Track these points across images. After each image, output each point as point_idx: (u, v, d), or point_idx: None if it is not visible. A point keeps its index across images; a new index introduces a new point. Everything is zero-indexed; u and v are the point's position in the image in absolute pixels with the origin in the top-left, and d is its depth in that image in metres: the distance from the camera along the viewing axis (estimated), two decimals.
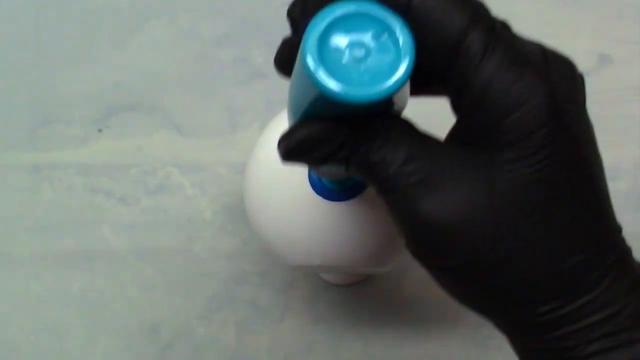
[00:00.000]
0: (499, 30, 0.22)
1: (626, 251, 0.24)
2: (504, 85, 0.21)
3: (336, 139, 0.22)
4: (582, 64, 0.24)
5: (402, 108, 0.24)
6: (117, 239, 0.49)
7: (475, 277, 0.23)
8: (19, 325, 0.48)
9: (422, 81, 0.23)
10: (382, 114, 0.23)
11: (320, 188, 0.35)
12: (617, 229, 0.24)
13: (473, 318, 0.46)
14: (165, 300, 0.48)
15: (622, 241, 0.24)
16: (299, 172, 0.36)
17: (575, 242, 0.22)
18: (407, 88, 0.23)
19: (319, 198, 0.35)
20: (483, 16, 0.22)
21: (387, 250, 0.37)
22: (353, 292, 0.48)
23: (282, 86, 0.51)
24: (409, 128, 0.23)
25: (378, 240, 0.36)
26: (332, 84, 0.20)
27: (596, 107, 0.47)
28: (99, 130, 0.51)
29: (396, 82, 0.20)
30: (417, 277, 0.47)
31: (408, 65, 0.20)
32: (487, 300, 0.24)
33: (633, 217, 0.48)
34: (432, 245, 0.23)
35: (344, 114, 0.22)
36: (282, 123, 0.39)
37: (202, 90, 0.51)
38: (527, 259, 0.22)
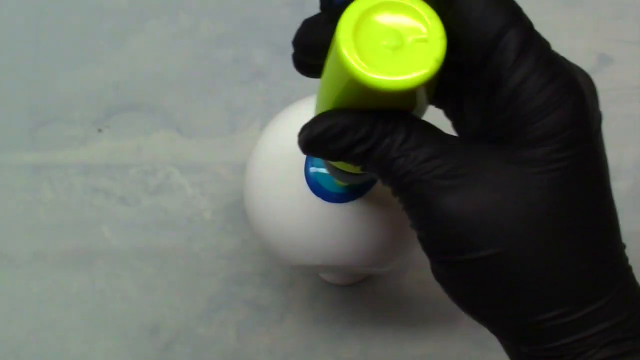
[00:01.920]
0: (534, 32, 0.22)
1: (629, 267, 0.24)
2: (539, 84, 0.22)
3: (359, 131, 0.23)
4: (582, 64, 0.24)
5: (422, 113, 0.24)
6: (117, 239, 0.49)
7: (489, 274, 0.23)
8: (19, 325, 0.48)
9: (448, 82, 0.23)
10: (405, 113, 0.23)
11: (318, 189, 0.35)
12: (623, 245, 0.24)
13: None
14: (165, 300, 0.48)
15: (626, 257, 0.24)
16: (299, 173, 0.36)
17: (589, 248, 0.22)
18: (426, 92, 0.23)
19: (318, 199, 0.35)
20: (522, 17, 0.22)
21: (387, 250, 0.37)
22: (353, 292, 0.48)
23: (282, 86, 0.51)
24: (430, 126, 0.23)
25: (378, 241, 0.36)
26: (365, 70, 0.20)
27: None
28: (99, 130, 0.51)
29: (425, 74, 0.20)
30: (417, 277, 0.47)
31: (436, 63, 0.21)
32: (496, 301, 0.23)
33: (633, 217, 0.48)
34: (451, 238, 0.23)
35: (370, 105, 0.22)
36: (282, 123, 0.39)
37: (202, 90, 0.51)
38: (544, 259, 0.22)
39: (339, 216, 0.35)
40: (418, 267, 0.47)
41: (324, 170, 0.35)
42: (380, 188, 0.36)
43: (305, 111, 0.39)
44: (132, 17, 0.53)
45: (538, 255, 0.22)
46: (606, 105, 0.49)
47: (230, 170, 0.50)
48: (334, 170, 0.31)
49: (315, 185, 0.35)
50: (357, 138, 0.23)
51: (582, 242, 0.22)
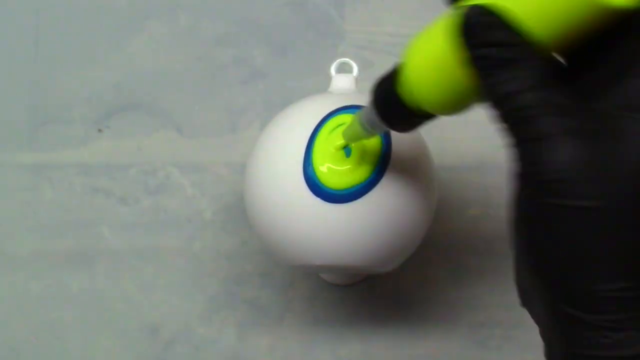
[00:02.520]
0: None
1: None
2: None
3: (514, 37, 0.23)
4: None
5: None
6: (117, 239, 0.49)
7: (582, 227, 0.22)
8: (19, 325, 0.48)
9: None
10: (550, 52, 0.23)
11: (317, 190, 0.35)
12: None
13: (473, 318, 0.47)
14: (165, 300, 0.48)
15: None
16: (298, 173, 0.36)
17: None
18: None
19: (317, 199, 0.35)
20: None
21: (386, 250, 0.37)
22: (353, 292, 0.48)
23: (282, 86, 0.51)
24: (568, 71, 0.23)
25: (377, 241, 0.36)
26: None
27: None
28: (99, 130, 0.51)
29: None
30: (417, 277, 0.47)
31: None
32: (573, 259, 0.23)
33: None
34: (558, 180, 0.22)
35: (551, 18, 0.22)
36: (282, 123, 0.39)
37: (202, 90, 0.51)
38: (633, 227, 0.22)
39: (338, 216, 0.35)
40: (418, 267, 0.47)
41: (321, 170, 0.35)
42: (380, 189, 0.36)
43: (305, 111, 0.39)
44: (132, 17, 0.53)
45: (627, 219, 0.22)
46: None
47: (230, 170, 0.50)
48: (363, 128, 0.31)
49: (313, 186, 0.35)
50: (507, 40, 0.23)
51: None
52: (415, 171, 0.37)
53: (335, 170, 0.35)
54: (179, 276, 0.48)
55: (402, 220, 0.37)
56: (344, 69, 0.43)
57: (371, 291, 0.48)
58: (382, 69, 0.31)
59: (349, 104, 0.37)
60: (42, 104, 0.51)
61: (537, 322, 0.26)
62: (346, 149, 0.36)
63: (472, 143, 0.49)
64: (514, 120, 0.23)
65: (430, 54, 0.27)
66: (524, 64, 0.23)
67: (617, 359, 0.23)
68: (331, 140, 0.36)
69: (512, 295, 0.26)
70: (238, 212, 0.49)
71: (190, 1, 0.53)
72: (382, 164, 0.36)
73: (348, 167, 0.35)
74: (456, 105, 0.27)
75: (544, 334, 0.26)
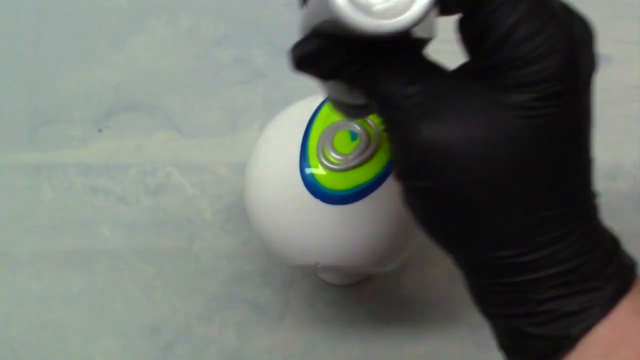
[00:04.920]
0: None
1: (596, 217, 0.24)
2: (528, 32, 0.22)
3: (348, 53, 0.23)
4: None
5: (428, 38, 0.24)
6: (117, 239, 0.49)
7: (451, 205, 0.23)
8: (19, 325, 0.48)
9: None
10: (397, 39, 0.23)
11: (316, 191, 0.35)
12: (593, 195, 0.24)
13: (473, 318, 0.46)
14: (165, 300, 0.48)
15: (594, 207, 0.24)
16: (297, 173, 0.36)
17: (552, 197, 0.23)
18: (430, 20, 0.23)
19: (316, 200, 0.35)
20: None
21: (386, 250, 0.37)
22: (353, 292, 0.48)
23: (282, 86, 0.51)
24: (417, 54, 0.24)
25: (376, 242, 0.36)
26: (353, 15, 0.21)
27: (596, 107, 0.47)
28: (99, 130, 0.51)
29: (408, 18, 0.21)
30: (417, 277, 0.47)
31: (420, 9, 0.21)
32: (456, 232, 0.24)
33: (633, 217, 0.48)
34: (420, 164, 0.23)
35: (358, 39, 0.22)
36: (282, 123, 0.39)
37: (202, 90, 0.51)
38: (504, 200, 0.23)
39: (338, 217, 0.35)
40: (418, 267, 0.47)
41: (319, 171, 0.35)
42: (381, 191, 0.36)
43: (305, 111, 0.39)
44: (132, 17, 0.53)
45: (497, 196, 0.23)
46: (606, 105, 0.49)
47: (230, 170, 0.50)
48: (336, 103, 0.30)
49: (312, 186, 0.35)
50: (346, 58, 0.23)
51: (545, 189, 0.23)
52: None
53: (335, 171, 0.35)
54: (179, 276, 0.48)
55: (402, 221, 0.37)
56: None
57: (371, 291, 0.48)
58: None
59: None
60: (42, 104, 0.51)
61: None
62: (352, 132, 0.35)
63: None
64: (379, 110, 0.24)
65: None
66: (368, 65, 0.23)
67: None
68: (328, 130, 0.36)
69: None
70: (238, 212, 0.49)
71: (190, 1, 0.53)
72: (389, 165, 0.35)
73: (350, 164, 0.35)
74: None
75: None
